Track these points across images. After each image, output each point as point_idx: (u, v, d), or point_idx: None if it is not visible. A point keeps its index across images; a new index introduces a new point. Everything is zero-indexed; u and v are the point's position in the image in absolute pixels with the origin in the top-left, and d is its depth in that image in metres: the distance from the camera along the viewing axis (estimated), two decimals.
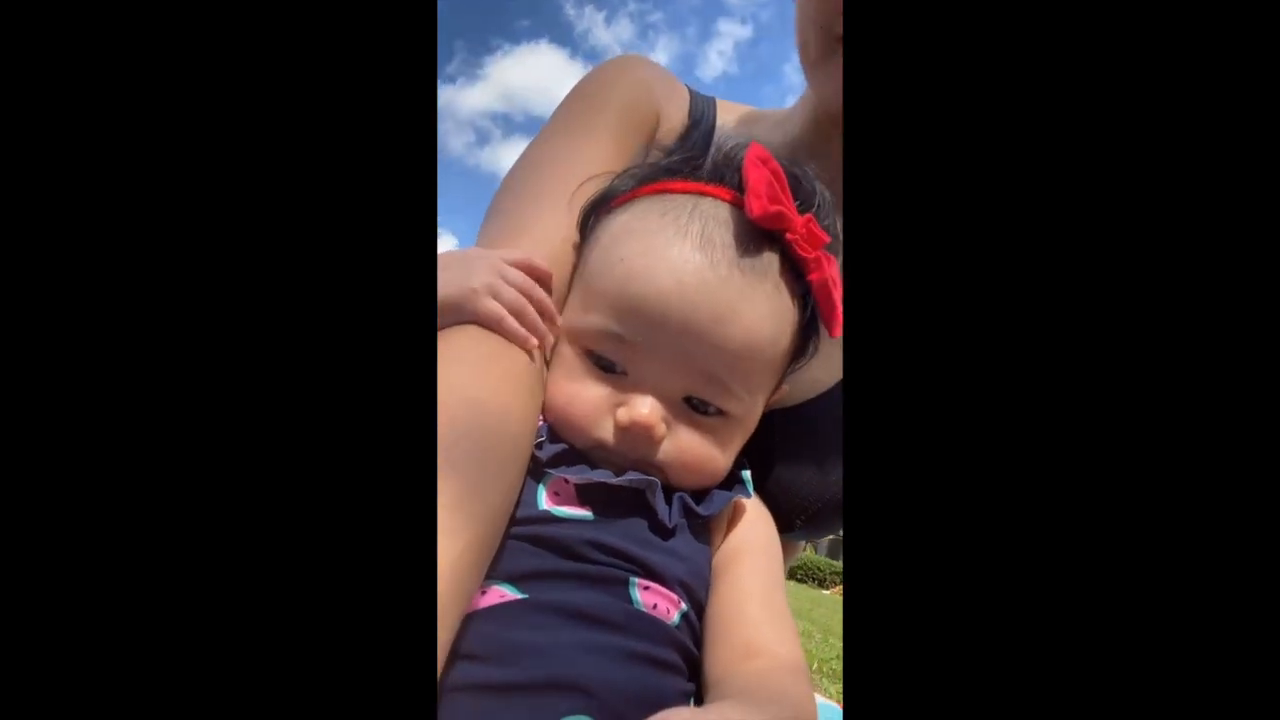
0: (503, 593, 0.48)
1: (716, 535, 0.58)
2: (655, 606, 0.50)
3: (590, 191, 0.60)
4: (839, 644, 4.50)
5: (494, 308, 0.52)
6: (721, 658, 0.51)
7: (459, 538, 0.42)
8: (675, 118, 0.70)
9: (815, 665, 3.54)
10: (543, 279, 0.54)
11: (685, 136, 0.69)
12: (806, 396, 0.70)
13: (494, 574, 0.48)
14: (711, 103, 0.74)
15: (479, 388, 0.49)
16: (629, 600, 0.50)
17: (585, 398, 0.54)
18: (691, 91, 0.73)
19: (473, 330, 0.52)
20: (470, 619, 0.46)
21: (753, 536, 0.59)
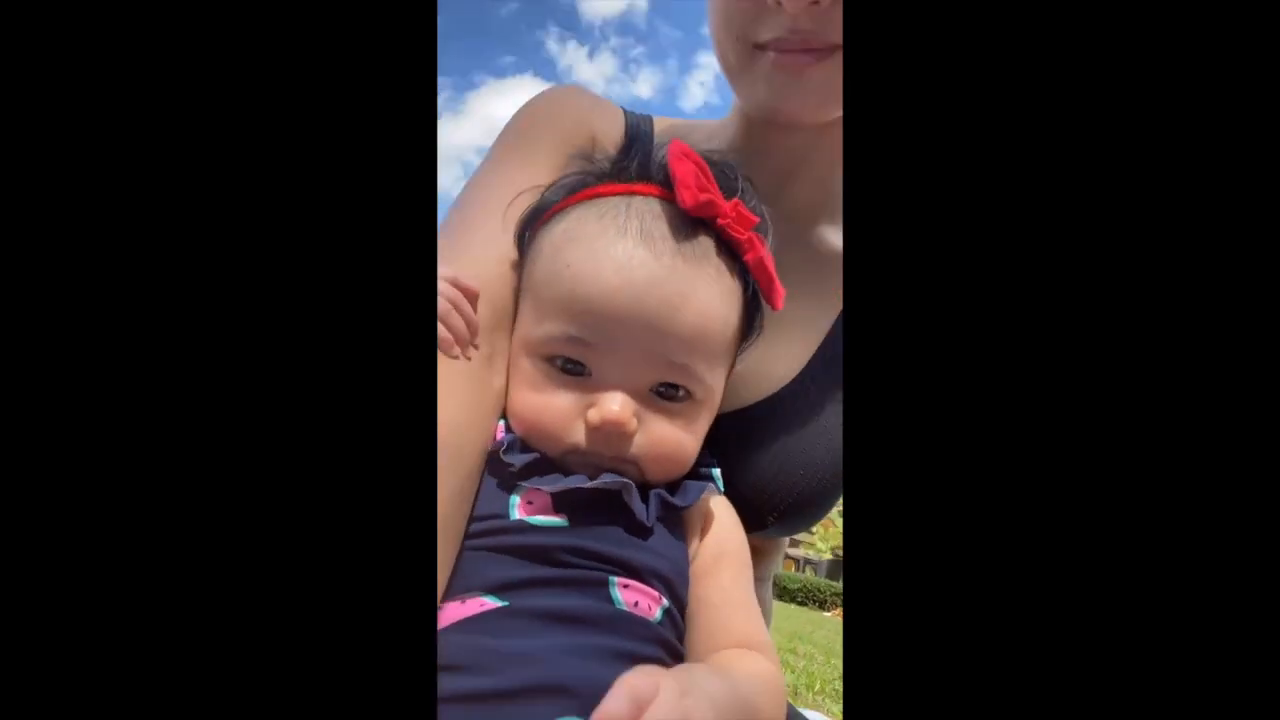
0: (483, 602, 0.48)
1: (692, 531, 0.59)
2: (636, 604, 0.51)
3: (522, 208, 0.61)
4: (841, 665, 4.45)
5: None
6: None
7: None
8: (611, 136, 0.72)
9: (818, 686, 3.50)
10: (469, 295, 0.55)
11: (625, 151, 0.71)
12: (768, 392, 0.71)
13: (473, 585, 0.48)
14: (648, 119, 0.76)
15: None
16: (610, 600, 0.50)
17: (554, 406, 0.54)
18: (626, 111, 0.76)
19: None
20: (452, 630, 0.46)
21: (726, 538, 0.60)
